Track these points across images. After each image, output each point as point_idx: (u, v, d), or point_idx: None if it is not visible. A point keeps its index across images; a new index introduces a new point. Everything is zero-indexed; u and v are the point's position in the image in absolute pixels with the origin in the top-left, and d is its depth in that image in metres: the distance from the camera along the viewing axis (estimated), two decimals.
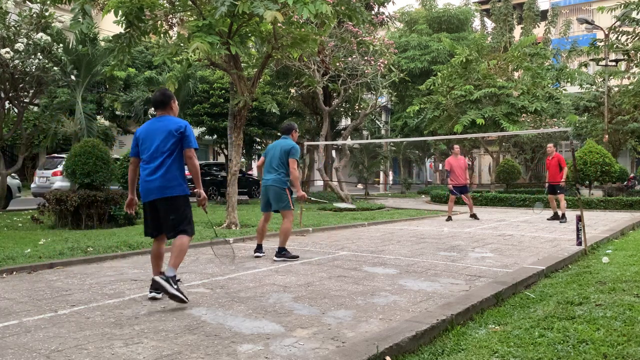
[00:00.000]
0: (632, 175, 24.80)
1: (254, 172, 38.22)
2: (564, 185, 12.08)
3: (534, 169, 31.59)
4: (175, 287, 4.39)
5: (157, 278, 4.43)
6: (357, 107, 22.30)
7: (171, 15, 11.91)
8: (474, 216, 13.04)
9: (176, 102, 4.91)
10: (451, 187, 12.63)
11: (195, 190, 4.71)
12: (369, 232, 10.24)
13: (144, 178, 4.69)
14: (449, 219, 12.78)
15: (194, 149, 4.69)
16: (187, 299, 4.45)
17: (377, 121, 37.31)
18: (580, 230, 7.49)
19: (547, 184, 12.60)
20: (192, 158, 4.67)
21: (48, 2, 11.41)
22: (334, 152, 24.70)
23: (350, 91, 18.86)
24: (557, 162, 11.92)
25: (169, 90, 5.38)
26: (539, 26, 32.11)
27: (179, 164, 4.68)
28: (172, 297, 4.35)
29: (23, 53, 12.67)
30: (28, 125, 19.87)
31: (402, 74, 19.89)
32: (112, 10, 8.29)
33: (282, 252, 6.83)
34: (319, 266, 6.35)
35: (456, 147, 13.01)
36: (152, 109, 18.46)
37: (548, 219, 12.42)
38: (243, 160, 24.51)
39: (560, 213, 12.12)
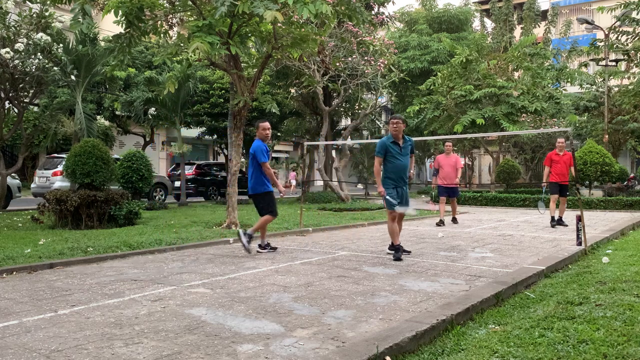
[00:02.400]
0: (632, 175, 24.80)
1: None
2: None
3: (534, 169, 31.59)
4: (246, 239, 7.20)
5: (239, 231, 7.38)
6: (357, 107, 22.28)
7: (171, 15, 11.89)
8: (454, 220, 12.02)
9: (260, 128, 7.39)
10: (440, 185, 11.62)
11: (277, 188, 7.51)
12: (369, 232, 10.23)
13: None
14: (441, 222, 11.46)
15: (263, 162, 7.18)
16: (249, 251, 7.27)
17: (377, 121, 37.30)
18: (580, 230, 7.48)
19: (546, 183, 11.29)
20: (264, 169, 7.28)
21: (48, 2, 11.41)
22: (334, 152, 24.68)
23: (350, 91, 18.85)
24: (569, 160, 10.75)
25: (266, 121, 7.49)
26: (539, 26, 32.11)
27: (260, 172, 7.26)
28: (240, 241, 7.34)
29: (23, 53, 12.66)
30: (28, 125, 19.89)
31: (402, 74, 19.88)
32: (112, 10, 8.29)
33: (391, 248, 7.20)
34: (319, 266, 6.35)
35: (448, 144, 12.06)
36: (152, 109, 18.65)
37: (552, 225, 10.96)
38: (243, 160, 24.46)
39: (558, 215, 11.11)
